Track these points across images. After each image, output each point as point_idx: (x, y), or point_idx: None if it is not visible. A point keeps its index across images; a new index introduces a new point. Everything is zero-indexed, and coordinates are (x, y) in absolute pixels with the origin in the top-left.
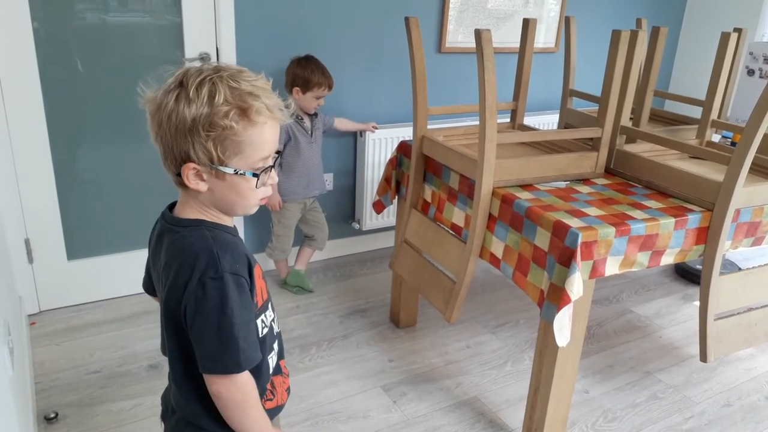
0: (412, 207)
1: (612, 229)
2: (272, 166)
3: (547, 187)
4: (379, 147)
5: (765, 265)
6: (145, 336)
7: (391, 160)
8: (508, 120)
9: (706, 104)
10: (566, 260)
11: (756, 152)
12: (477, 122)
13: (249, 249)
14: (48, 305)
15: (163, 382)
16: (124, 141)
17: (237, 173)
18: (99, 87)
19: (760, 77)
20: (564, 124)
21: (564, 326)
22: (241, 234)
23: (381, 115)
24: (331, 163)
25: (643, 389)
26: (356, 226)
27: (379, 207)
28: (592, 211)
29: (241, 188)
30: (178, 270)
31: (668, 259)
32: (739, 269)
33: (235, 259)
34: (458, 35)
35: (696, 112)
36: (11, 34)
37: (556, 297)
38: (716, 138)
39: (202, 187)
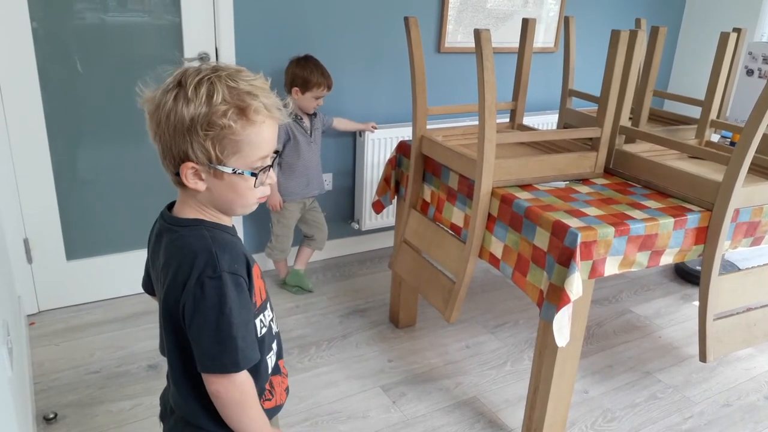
0: (412, 207)
1: (611, 229)
2: (271, 166)
3: (546, 187)
4: (379, 147)
5: (764, 265)
6: (145, 336)
7: (390, 160)
8: (508, 120)
9: (706, 104)
10: (565, 260)
11: (755, 152)
12: (476, 122)
13: (248, 249)
14: (47, 305)
15: (162, 382)
16: (123, 141)
17: (235, 173)
18: (98, 87)
19: (759, 77)
20: (563, 124)
21: (563, 326)
22: (241, 234)
23: (380, 115)
24: (330, 163)
25: (643, 389)
26: (355, 226)
27: (378, 207)
28: (592, 211)
29: (240, 187)
30: (176, 269)
31: (668, 259)
32: (739, 269)
33: (233, 258)
34: (457, 35)
35: (695, 112)
36: (10, 34)
37: (555, 297)
38: (715, 138)
39: (201, 186)
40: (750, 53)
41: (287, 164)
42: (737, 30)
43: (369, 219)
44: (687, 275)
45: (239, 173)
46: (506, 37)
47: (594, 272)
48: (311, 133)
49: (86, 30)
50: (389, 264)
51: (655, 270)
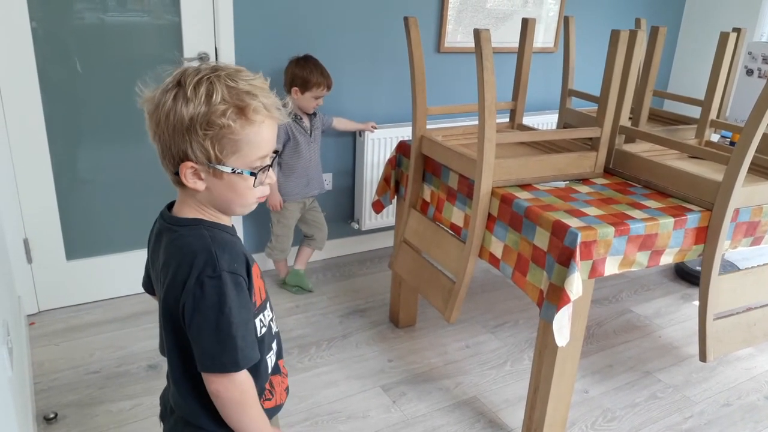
0: (412, 207)
1: (611, 229)
2: (270, 166)
3: (546, 187)
4: (378, 147)
5: (764, 264)
6: (145, 336)
7: (390, 160)
8: (507, 120)
9: (705, 104)
10: (565, 260)
11: (755, 152)
12: (476, 122)
13: (248, 249)
14: (47, 305)
15: (162, 382)
16: (123, 140)
17: (235, 172)
18: (98, 86)
19: (759, 77)
20: (563, 124)
21: (563, 326)
22: (241, 234)
23: (380, 115)
24: (330, 162)
25: (643, 389)
26: (355, 225)
27: (378, 207)
28: (592, 210)
29: (239, 187)
30: (176, 269)
31: (667, 258)
32: (738, 269)
33: (233, 258)
34: (457, 35)
35: (695, 111)
36: (10, 34)
37: (555, 297)
38: (715, 138)
39: (200, 186)
40: (750, 53)
41: (287, 164)
42: (737, 30)
43: (369, 219)
44: (687, 275)
45: (238, 173)
46: (506, 37)
47: (594, 272)
48: (311, 133)
49: (86, 30)
50: (389, 264)
51: (655, 270)
